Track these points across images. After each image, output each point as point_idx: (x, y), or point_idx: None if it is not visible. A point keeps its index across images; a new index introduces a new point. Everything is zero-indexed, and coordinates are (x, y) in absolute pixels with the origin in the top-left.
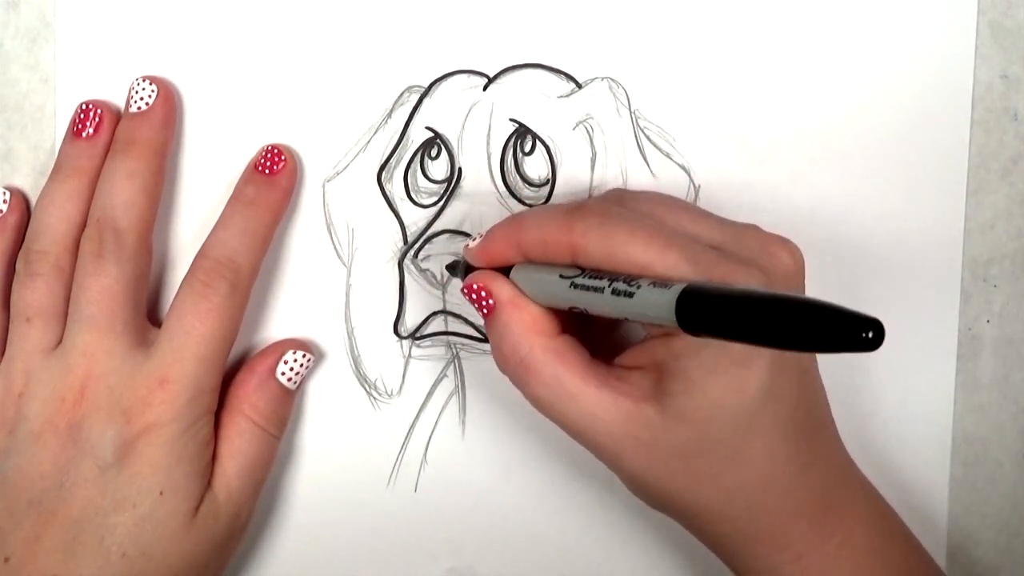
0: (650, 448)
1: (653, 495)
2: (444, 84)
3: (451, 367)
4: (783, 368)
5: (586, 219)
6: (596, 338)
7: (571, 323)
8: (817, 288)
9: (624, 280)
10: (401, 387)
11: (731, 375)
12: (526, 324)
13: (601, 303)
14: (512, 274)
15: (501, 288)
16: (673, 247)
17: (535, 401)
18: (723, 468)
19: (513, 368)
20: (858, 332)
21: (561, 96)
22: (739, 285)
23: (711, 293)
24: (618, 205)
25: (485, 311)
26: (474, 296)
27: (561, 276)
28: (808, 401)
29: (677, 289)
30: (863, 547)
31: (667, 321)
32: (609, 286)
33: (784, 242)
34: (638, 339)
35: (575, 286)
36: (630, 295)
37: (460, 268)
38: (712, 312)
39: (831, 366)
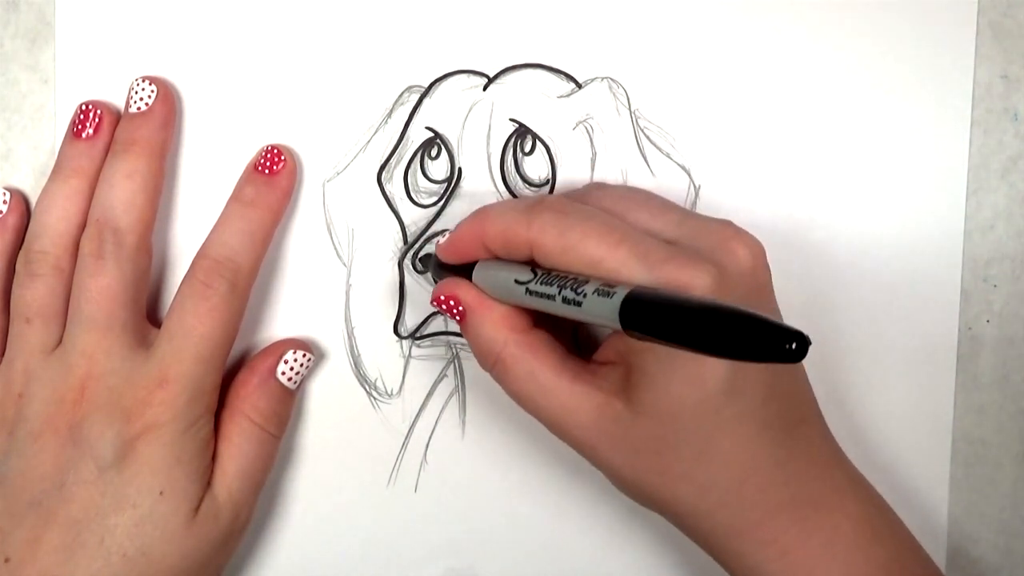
0: (622, 442)
1: (632, 491)
2: (444, 84)
3: (451, 367)
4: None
5: (543, 216)
6: (569, 331)
7: (545, 317)
8: (816, 288)
9: (572, 287)
10: (401, 387)
11: (689, 369)
12: (496, 323)
13: (555, 308)
14: (474, 275)
15: (467, 293)
16: (624, 244)
17: (513, 396)
18: (694, 463)
19: (491, 367)
20: (782, 344)
21: (561, 96)
22: (677, 292)
23: (650, 300)
24: (580, 201)
25: (458, 317)
26: (444, 306)
27: (516, 281)
28: (783, 395)
29: (620, 297)
30: (851, 544)
31: (615, 327)
32: (559, 293)
33: (742, 238)
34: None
35: (529, 292)
36: (578, 304)
37: (431, 263)
38: (652, 318)
39: (829, 366)
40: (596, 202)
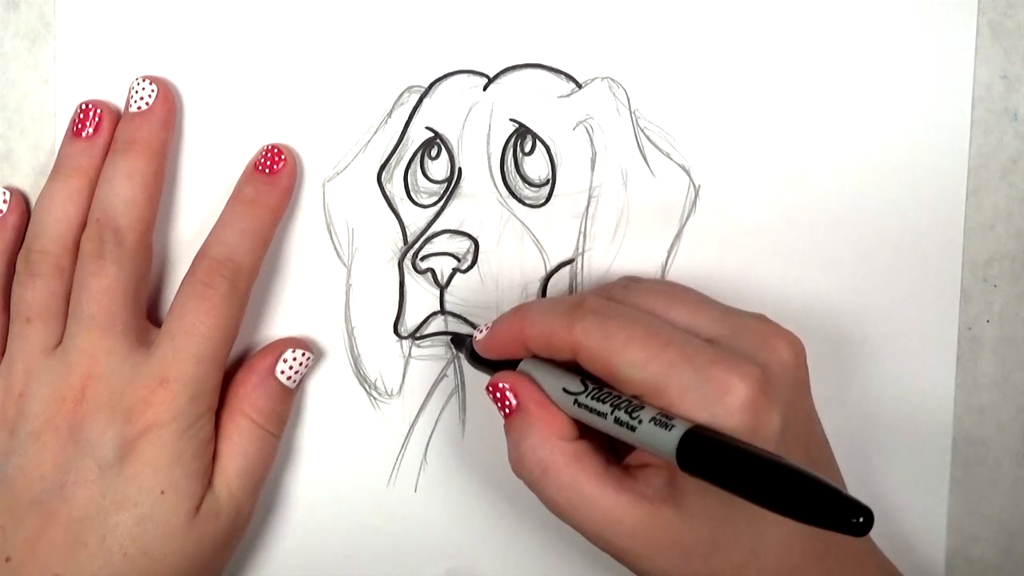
0: (670, 549)
1: None
2: (444, 84)
3: (451, 367)
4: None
5: (585, 319)
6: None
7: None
8: (816, 289)
9: (626, 409)
10: (401, 387)
11: None
12: (548, 427)
13: (603, 426)
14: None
15: (529, 391)
16: (670, 347)
17: (552, 504)
18: (743, 563)
19: (530, 471)
20: (848, 516)
21: (561, 96)
22: (740, 440)
23: (712, 442)
24: (618, 300)
25: (507, 411)
26: (498, 395)
27: (565, 391)
28: None
29: (679, 432)
30: None
31: (668, 459)
32: (612, 413)
33: (784, 335)
34: None
35: (579, 404)
36: (632, 428)
37: (466, 345)
38: (712, 462)
39: (831, 365)
40: (634, 300)
